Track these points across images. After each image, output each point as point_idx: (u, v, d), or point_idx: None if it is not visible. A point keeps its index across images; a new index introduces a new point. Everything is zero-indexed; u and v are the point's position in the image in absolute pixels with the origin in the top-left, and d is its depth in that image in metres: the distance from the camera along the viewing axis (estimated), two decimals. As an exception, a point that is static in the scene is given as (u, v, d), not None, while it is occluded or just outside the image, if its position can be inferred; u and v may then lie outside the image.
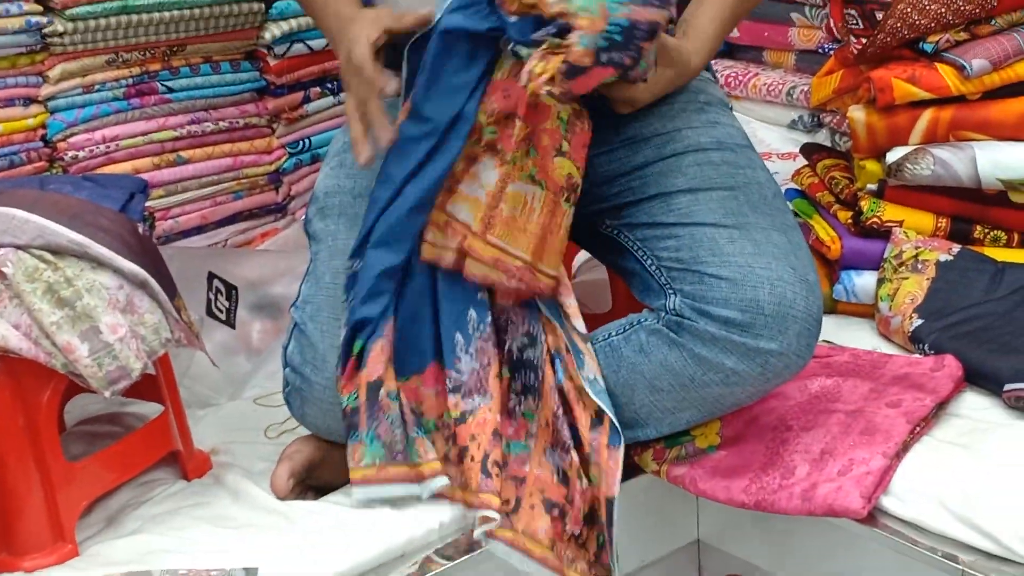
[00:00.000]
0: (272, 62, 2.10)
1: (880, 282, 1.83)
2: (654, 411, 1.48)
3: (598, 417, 1.44)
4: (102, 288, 1.40)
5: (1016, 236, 1.84)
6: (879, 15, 1.79)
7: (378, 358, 1.43)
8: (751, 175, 1.53)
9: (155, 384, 1.54)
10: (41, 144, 1.92)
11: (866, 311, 1.87)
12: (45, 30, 1.86)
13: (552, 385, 1.44)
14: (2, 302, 1.36)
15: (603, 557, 1.43)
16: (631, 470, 1.57)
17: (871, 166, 1.87)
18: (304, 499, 1.53)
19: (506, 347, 1.46)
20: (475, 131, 1.39)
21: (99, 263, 1.41)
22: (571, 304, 1.47)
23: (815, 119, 2.53)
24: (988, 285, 1.77)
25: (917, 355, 1.71)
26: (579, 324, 1.47)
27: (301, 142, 2.19)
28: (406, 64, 1.42)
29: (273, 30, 2.07)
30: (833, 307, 1.88)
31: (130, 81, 1.98)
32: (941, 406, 1.56)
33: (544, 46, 1.29)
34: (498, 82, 1.37)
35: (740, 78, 2.65)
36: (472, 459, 1.42)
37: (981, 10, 1.77)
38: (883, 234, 1.86)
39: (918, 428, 1.51)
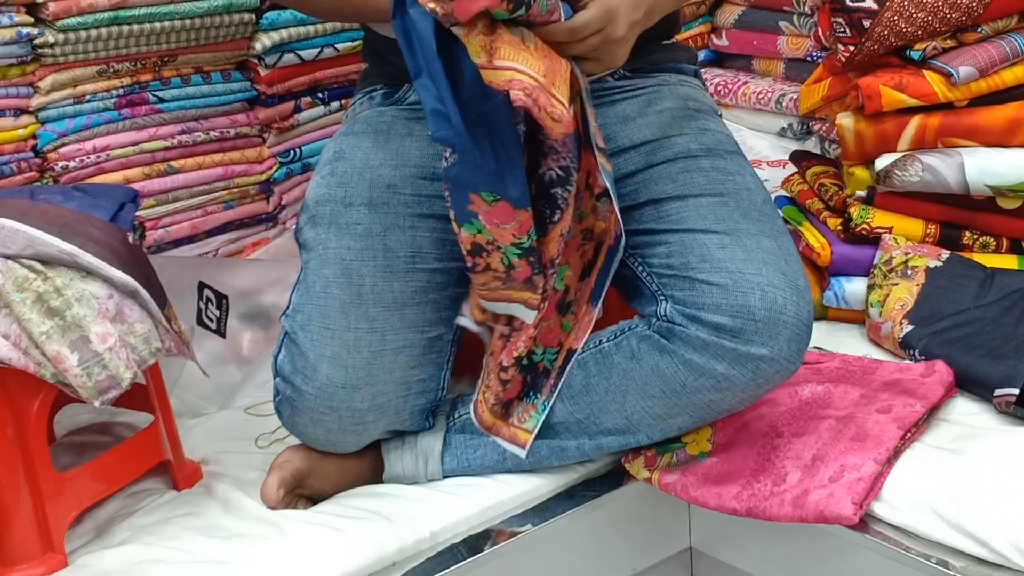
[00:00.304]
0: (263, 72, 2.10)
1: (870, 288, 1.83)
2: (645, 417, 1.48)
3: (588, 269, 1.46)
4: (92, 298, 1.39)
5: (1005, 242, 1.85)
6: (867, 23, 1.80)
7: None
8: (741, 181, 1.53)
9: (145, 394, 1.54)
10: (32, 154, 1.92)
11: (856, 317, 1.87)
12: (36, 41, 1.86)
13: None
14: (-9, 312, 1.36)
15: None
16: (622, 477, 1.57)
17: (860, 173, 1.88)
18: (294, 508, 1.53)
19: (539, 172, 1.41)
20: None
21: (89, 273, 1.41)
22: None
23: (804, 127, 2.54)
24: (977, 291, 1.77)
25: (907, 361, 1.71)
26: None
27: (292, 152, 2.19)
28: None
29: (264, 40, 2.08)
30: (823, 313, 1.89)
31: (121, 91, 1.98)
32: (932, 412, 1.57)
33: None
34: None
35: (729, 86, 2.66)
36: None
37: (968, 18, 1.78)
38: (873, 240, 1.87)
39: (909, 434, 1.51)
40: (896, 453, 1.48)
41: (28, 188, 1.79)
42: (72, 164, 1.94)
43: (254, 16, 2.06)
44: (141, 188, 1.97)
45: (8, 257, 1.38)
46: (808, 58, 2.52)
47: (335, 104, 2.21)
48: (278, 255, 2.13)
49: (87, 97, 1.95)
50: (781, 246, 1.47)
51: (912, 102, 1.80)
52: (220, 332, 1.93)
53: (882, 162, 1.83)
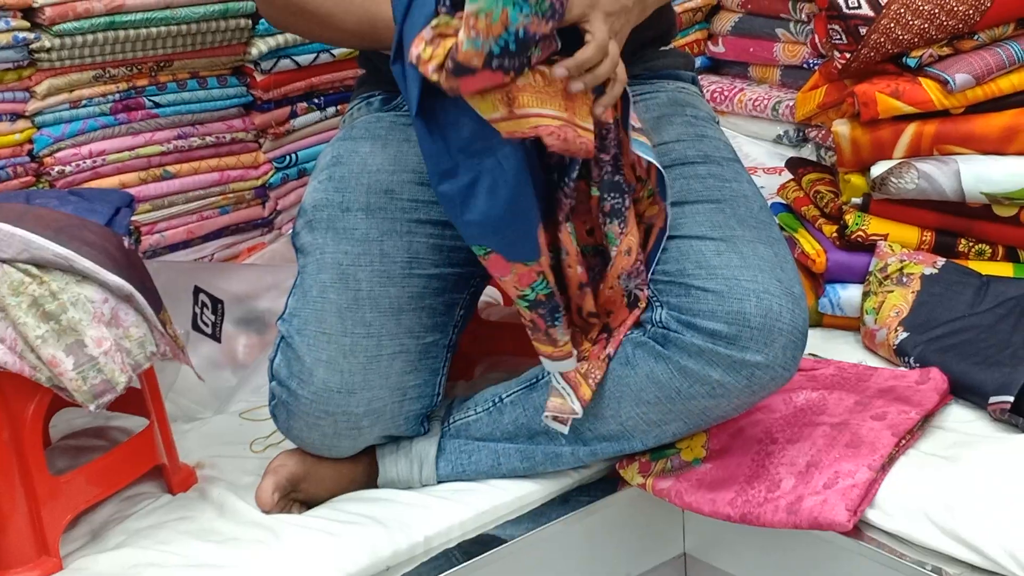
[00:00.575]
0: (259, 77, 2.11)
1: (865, 295, 1.83)
2: (640, 424, 1.48)
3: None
4: (87, 302, 1.39)
5: (1000, 249, 1.85)
6: (863, 30, 1.80)
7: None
8: (738, 188, 1.54)
9: (140, 398, 1.54)
10: (28, 159, 1.92)
11: (851, 324, 1.87)
12: (32, 46, 1.86)
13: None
14: (-13, 315, 1.36)
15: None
16: (617, 483, 1.57)
17: (856, 180, 1.88)
18: (289, 513, 1.53)
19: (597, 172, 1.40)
20: None
21: (84, 277, 1.41)
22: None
23: (800, 134, 2.54)
24: (973, 298, 1.78)
25: (902, 368, 1.71)
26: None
27: (287, 157, 2.19)
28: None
29: (260, 46, 2.08)
30: (818, 320, 1.89)
31: (117, 96, 1.98)
32: (926, 419, 1.57)
33: (434, 23, 1.23)
34: None
35: (726, 93, 2.66)
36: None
37: (964, 25, 1.78)
38: (868, 247, 1.87)
39: (903, 441, 1.51)
40: (891, 460, 1.48)
41: (24, 192, 1.78)
42: (68, 169, 1.94)
43: (250, 21, 2.06)
44: (137, 193, 1.97)
45: (4, 261, 1.38)
46: (804, 65, 2.53)
47: (331, 109, 2.21)
48: (274, 260, 2.13)
49: (83, 102, 1.95)
50: (777, 253, 1.47)
51: (908, 109, 1.80)
52: (215, 337, 1.93)
53: (878, 169, 1.83)
